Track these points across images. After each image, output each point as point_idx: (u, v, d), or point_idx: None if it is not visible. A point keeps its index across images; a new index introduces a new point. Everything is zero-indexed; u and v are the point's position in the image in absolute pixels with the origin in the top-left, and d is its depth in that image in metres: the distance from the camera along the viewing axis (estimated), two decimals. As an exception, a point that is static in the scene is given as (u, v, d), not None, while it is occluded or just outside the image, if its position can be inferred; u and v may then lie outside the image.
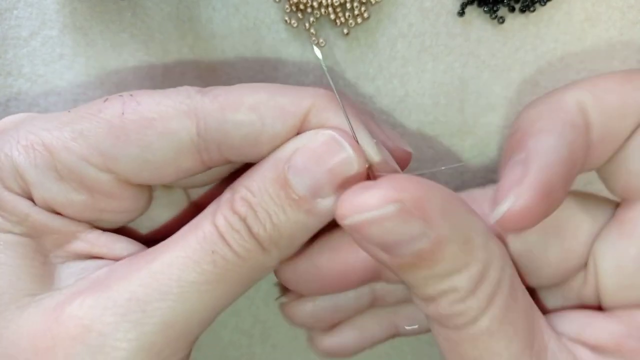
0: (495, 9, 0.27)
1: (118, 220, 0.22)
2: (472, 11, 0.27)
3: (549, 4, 0.27)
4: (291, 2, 0.27)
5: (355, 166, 0.20)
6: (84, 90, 0.28)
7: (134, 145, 0.20)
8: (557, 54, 0.27)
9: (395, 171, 0.22)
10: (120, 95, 0.21)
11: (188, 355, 0.21)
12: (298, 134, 0.21)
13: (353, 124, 0.21)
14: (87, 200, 0.21)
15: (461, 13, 0.27)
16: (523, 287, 0.21)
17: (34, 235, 0.21)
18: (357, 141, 0.20)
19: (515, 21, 0.27)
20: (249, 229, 0.20)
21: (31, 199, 0.21)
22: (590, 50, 0.27)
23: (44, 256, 0.21)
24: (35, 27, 0.28)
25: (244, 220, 0.20)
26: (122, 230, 0.23)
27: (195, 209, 0.25)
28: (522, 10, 0.27)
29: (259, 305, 0.30)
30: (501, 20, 0.27)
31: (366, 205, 0.18)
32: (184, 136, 0.20)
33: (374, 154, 0.21)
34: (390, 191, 0.18)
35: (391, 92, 0.28)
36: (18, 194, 0.21)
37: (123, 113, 0.20)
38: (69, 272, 0.21)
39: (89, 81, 0.28)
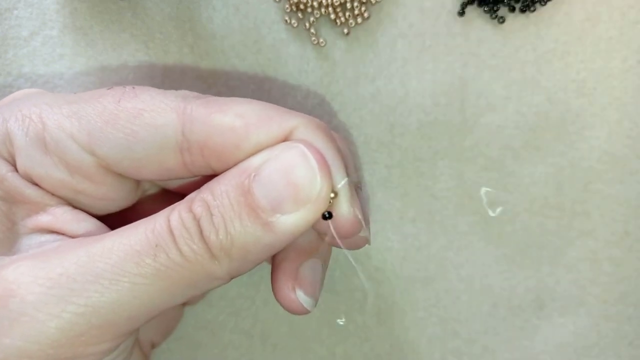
0: (495, 9, 0.27)
1: (97, 206, 0.23)
2: (472, 11, 0.27)
3: (549, 4, 0.27)
4: (291, 2, 0.27)
5: (318, 187, 0.20)
6: (84, 91, 0.28)
7: (120, 131, 0.20)
8: (557, 54, 0.27)
9: (358, 218, 0.21)
10: (124, 87, 0.22)
11: (113, 349, 0.20)
12: None
13: (332, 155, 0.20)
14: (66, 178, 0.21)
15: (461, 13, 0.27)
16: None
17: (7, 200, 0.21)
18: (329, 168, 0.20)
19: (515, 21, 0.27)
20: (200, 231, 0.19)
21: (15, 166, 0.21)
22: (590, 50, 0.27)
23: (12, 223, 0.21)
24: (36, 27, 0.28)
25: (197, 220, 0.19)
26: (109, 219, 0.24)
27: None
28: (522, 10, 0.27)
29: (259, 305, 0.30)
30: (501, 20, 0.27)
31: None
32: (168, 132, 0.20)
33: (343, 187, 0.20)
34: None
35: (391, 92, 0.28)
36: (3, 158, 0.21)
37: (119, 101, 0.21)
38: (28, 244, 0.21)
39: (89, 81, 0.28)
